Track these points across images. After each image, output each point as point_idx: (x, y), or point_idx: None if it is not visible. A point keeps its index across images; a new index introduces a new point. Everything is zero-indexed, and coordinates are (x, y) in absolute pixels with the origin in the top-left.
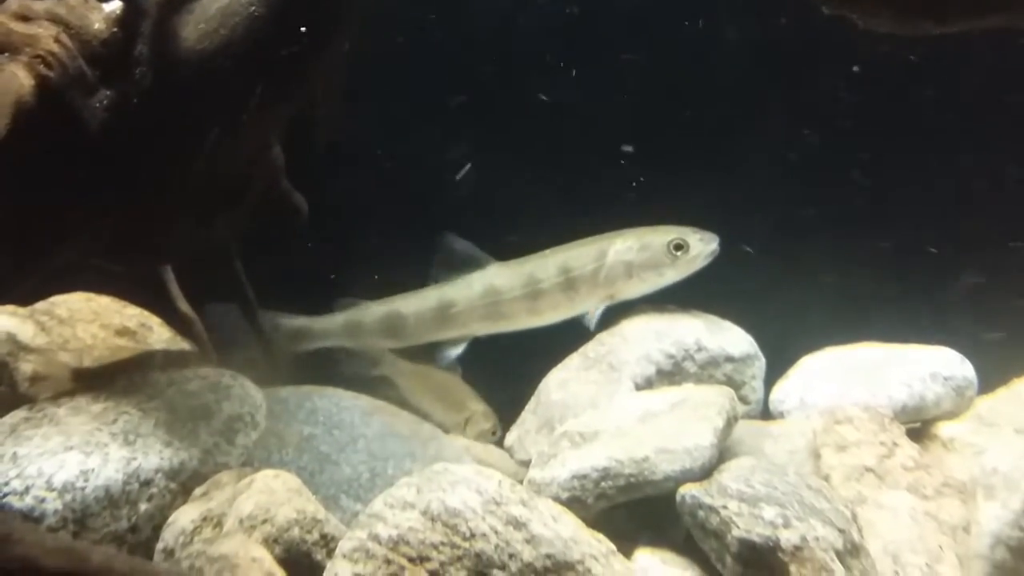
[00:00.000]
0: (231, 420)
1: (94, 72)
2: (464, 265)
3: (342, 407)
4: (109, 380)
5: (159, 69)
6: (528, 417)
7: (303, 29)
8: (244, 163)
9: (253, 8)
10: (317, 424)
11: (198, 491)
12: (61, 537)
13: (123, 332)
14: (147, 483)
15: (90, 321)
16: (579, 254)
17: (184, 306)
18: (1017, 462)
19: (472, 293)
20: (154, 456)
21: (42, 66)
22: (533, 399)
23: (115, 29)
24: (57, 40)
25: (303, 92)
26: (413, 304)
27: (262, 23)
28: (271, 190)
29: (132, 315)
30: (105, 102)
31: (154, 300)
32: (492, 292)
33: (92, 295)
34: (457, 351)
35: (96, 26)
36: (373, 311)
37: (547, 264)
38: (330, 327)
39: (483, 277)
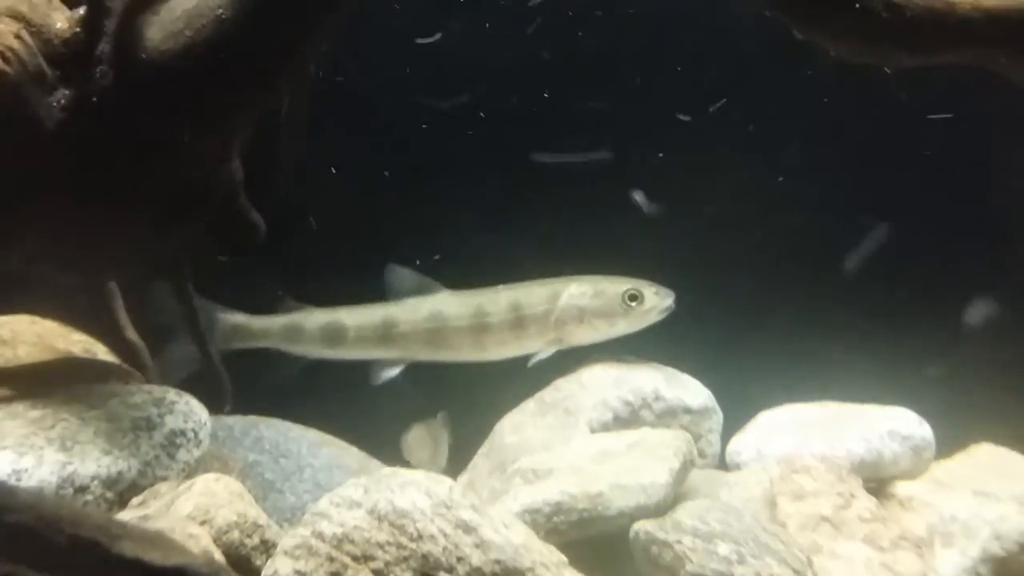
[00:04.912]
0: (173, 435)
1: (54, 71)
2: (413, 292)
3: (289, 437)
4: (48, 390)
5: (120, 69)
6: (480, 461)
7: (271, 37)
8: (203, 173)
9: (220, 11)
10: (263, 452)
11: (135, 500)
12: None
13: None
14: (82, 489)
15: (33, 344)
16: (532, 293)
17: (131, 334)
18: (976, 510)
19: (417, 316)
20: (91, 463)
21: (0, 62)
22: (486, 443)
23: (77, 29)
24: (18, 36)
25: (267, 103)
26: (356, 317)
27: (229, 27)
28: (229, 204)
29: (77, 340)
30: (63, 101)
31: (101, 326)
32: (438, 317)
33: (37, 318)
34: (391, 373)
35: (58, 25)
36: (315, 317)
37: (498, 299)
38: (270, 327)
39: (431, 302)
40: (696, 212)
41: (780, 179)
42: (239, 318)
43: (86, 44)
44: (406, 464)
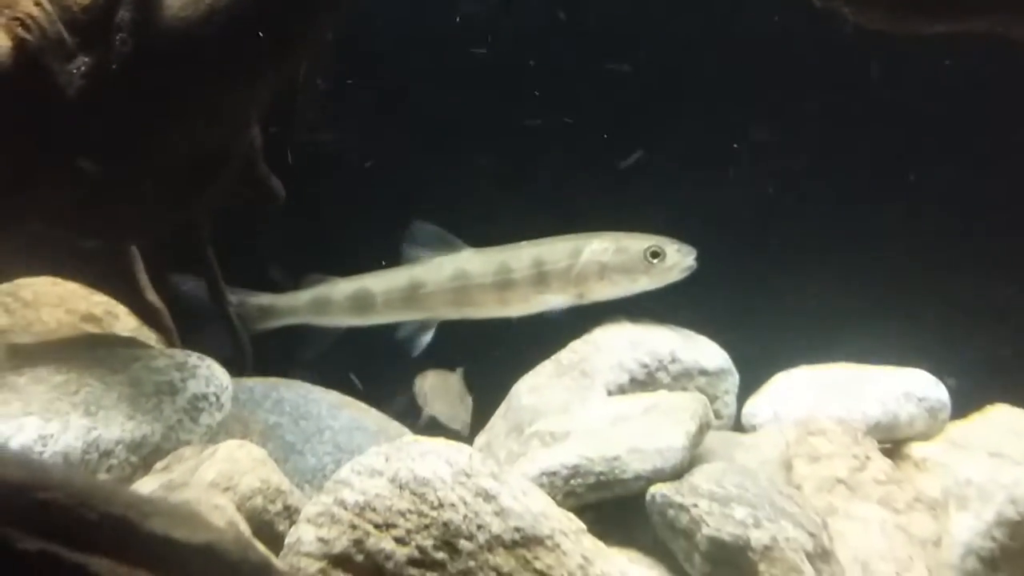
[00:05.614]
0: (196, 399)
1: (73, 38)
2: (437, 250)
3: (309, 399)
4: (72, 354)
5: (140, 36)
6: (498, 422)
7: (290, 4)
8: (222, 140)
9: None
10: (283, 414)
11: (159, 465)
12: (16, 451)
13: (89, 318)
14: (107, 454)
15: (55, 306)
16: (554, 249)
17: (152, 296)
18: (992, 474)
19: (442, 275)
20: (116, 428)
21: (20, 28)
22: (504, 404)
23: None
24: (38, 4)
25: (285, 71)
26: (383, 282)
27: None
28: (248, 172)
29: (99, 302)
30: (83, 68)
31: (122, 288)
32: (462, 276)
33: (59, 280)
34: (426, 339)
35: None
36: (342, 288)
37: (521, 255)
38: (297, 304)
39: (455, 261)
40: (715, 173)
41: (802, 141)
42: (265, 299)
43: (105, 11)
44: (419, 411)
